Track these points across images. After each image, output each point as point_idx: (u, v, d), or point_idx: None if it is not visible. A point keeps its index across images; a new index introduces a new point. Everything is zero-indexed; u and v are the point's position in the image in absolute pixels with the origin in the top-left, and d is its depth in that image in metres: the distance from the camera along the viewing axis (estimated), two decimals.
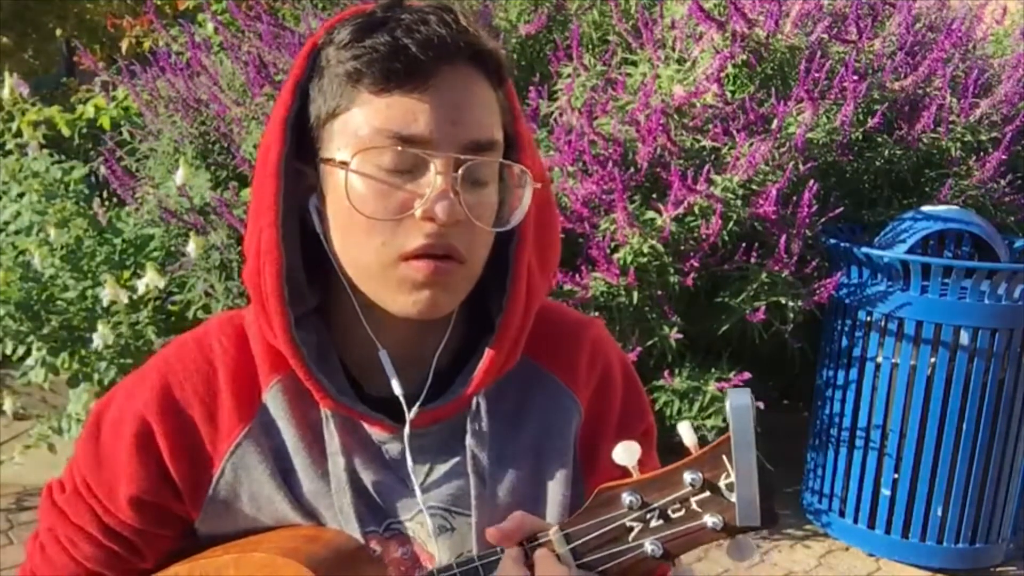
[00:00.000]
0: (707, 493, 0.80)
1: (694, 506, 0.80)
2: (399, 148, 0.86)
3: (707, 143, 3.09)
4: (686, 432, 0.82)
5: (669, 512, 0.81)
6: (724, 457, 0.79)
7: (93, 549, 1.01)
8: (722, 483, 0.79)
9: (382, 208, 0.87)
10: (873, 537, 3.17)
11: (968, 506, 3.05)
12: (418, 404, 0.96)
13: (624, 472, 0.84)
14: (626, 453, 0.83)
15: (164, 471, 0.97)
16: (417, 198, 0.87)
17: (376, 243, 0.88)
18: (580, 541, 0.84)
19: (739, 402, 0.77)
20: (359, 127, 0.87)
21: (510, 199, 0.94)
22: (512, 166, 0.93)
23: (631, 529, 0.82)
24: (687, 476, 0.80)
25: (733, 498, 0.78)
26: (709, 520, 0.79)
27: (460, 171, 0.87)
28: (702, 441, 0.80)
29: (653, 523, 0.81)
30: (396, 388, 0.95)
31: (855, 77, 3.16)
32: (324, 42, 0.92)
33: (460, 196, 0.87)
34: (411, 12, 0.88)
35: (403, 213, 0.87)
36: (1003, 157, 3.33)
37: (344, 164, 0.87)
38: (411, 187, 0.87)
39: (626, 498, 0.82)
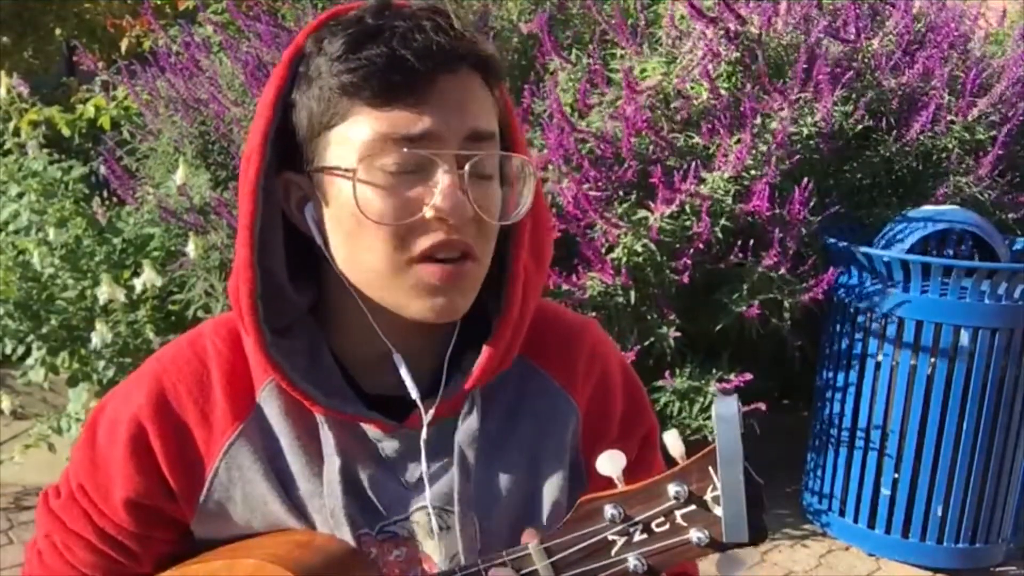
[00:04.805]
0: (692, 507, 0.77)
1: (679, 520, 0.77)
2: (405, 150, 0.86)
3: (699, 140, 3.07)
4: (672, 442, 0.79)
5: (653, 526, 0.78)
6: (710, 468, 0.76)
7: (89, 555, 1.01)
8: (708, 496, 0.76)
9: (391, 212, 0.87)
10: (873, 537, 3.16)
11: (968, 506, 3.04)
12: (436, 403, 0.95)
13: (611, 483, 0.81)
14: (610, 463, 0.80)
15: (159, 473, 0.96)
16: (425, 199, 0.87)
17: (388, 248, 0.88)
18: (560, 555, 0.81)
19: (725, 411, 0.74)
20: (361, 134, 0.86)
21: (510, 193, 0.94)
22: (512, 158, 0.94)
23: (613, 543, 0.80)
24: (672, 488, 0.77)
25: (719, 512, 0.75)
26: (695, 535, 0.77)
27: (467, 167, 0.87)
28: (703, 443, 0.77)
29: (636, 537, 0.79)
30: (413, 392, 0.94)
31: (828, 70, 3.10)
32: (310, 51, 0.90)
33: (468, 193, 0.87)
34: (404, 19, 0.87)
35: (413, 216, 0.87)
36: (999, 154, 3.30)
37: (351, 172, 0.86)
38: (419, 189, 0.87)
39: (608, 511, 0.79)
